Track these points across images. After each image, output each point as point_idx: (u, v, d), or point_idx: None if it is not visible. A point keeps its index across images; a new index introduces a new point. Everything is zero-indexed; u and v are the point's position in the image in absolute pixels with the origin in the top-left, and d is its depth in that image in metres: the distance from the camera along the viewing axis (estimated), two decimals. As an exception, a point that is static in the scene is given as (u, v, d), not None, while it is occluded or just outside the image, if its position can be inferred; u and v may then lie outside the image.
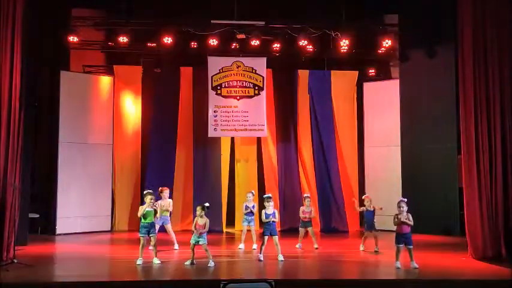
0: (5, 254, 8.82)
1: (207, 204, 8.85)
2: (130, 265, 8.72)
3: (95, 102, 13.23)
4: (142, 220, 8.93)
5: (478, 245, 9.28)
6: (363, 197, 10.60)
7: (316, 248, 10.33)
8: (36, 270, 8.28)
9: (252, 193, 10.77)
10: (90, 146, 13.02)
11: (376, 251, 10.00)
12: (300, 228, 10.55)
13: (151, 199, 8.97)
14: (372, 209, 10.22)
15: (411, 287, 7.73)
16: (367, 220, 10.26)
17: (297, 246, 10.48)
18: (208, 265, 8.54)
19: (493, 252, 9.26)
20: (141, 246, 8.84)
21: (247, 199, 10.65)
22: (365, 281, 8.04)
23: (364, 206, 10.26)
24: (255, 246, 10.44)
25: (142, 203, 9.20)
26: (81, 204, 12.65)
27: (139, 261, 8.69)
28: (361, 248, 10.23)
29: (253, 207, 10.61)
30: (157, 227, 10.38)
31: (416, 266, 8.38)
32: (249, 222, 10.52)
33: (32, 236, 11.21)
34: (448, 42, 12.03)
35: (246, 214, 10.55)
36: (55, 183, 12.45)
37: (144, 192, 9.25)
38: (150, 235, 8.91)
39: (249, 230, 10.59)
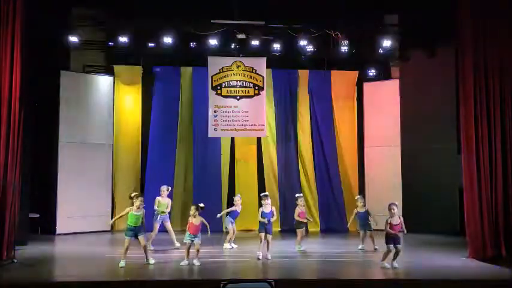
0: (5, 253, 8.83)
1: (201, 205, 8.83)
2: (130, 265, 8.71)
3: (95, 102, 13.22)
4: (129, 223, 8.65)
5: (478, 245, 9.29)
6: (356, 198, 10.71)
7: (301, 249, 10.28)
8: (36, 270, 8.28)
9: (239, 196, 10.85)
10: (90, 146, 13.01)
11: (375, 249, 10.11)
12: (297, 230, 10.32)
13: (141, 201, 8.74)
14: (364, 210, 10.34)
15: (411, 287, 7.73)
16: (359, 220, 10.43)
17: (301, 248, 10.33)
18: (195, 263, 8.55)
19: (493, 252, 9.27)
20: (125, 247, 8.58)
21: (235, 202, 10.73)
22: (365, 281, 8.05)
23: (357, 207, 10.43)
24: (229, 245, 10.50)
25: (145, 204, 9.14)
26: (81, 204, 12.62)
27: (122, 264, 8.54)
28: (360, 247, 10.34)
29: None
30: (157, 225, 10.39)
31: (397, 265, 8.40)
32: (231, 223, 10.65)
33: (32, 236, 11.22)
34: (448, 42, 12.02)
35: (228, 214, 10.71)
36: (55, 183, 12.45)
37: (132, 194, 8.93)
38: (139, 237, 8.69)
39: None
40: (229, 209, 10.82)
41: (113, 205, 13.31)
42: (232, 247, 10.57)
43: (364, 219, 10.37)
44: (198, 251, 8.74)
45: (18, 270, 8.17)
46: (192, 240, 8.69)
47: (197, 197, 12.92)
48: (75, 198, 12.56)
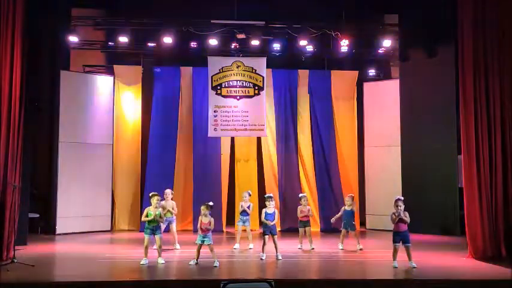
0: (5, 253, 8.83)
1: (211, 204, 8.85)
2: (130, 265, 8.72)
3: (95, 102, 13.22)
4: (147, 221, 8.88)
5: (478, 245, 9.29)
6: (347, 196, 10.76)
7: (313, 249, 10.32)
8: (36, 270, 8.27)
9: (249, 193, 10.80)
10: (90, 146, 13.01)
11: (360, 249, 10.16)
12: (299, 229, 10.55)
13: (157, 200, 8.94)
14: (350, 209, 10.39)
15: (411, 287, 7.72)
16: (344, 218, 10.42)
17: (299, 247, 10.44)
18: (214, 265, 8.53)
19: (493, 252, 9.27)
20: (145, 246, 8.80)
21: (243, 199, 10.71)
22: (365, 281, 8.04)
23: (344, 205, 10.48)
24: (251, 245, 10.47)
25: (145, 204, 9.18)
26: (81, 204, 12.64)
27: (143, 261, 8.67)
28: (340, 247, 10.39)
29: (249, 207, 10.64)
30: (163, 227, 10.40)
31: (415, 265, 8.37)
32: (243, 222, 10.60)
33: (32, 236, 11.22)
34: (448, 42, 12.03)
35: (240, 214, 10.64)
36: (55, 183, 12.45)
37: (150, 194, 9.17)
38: (156, 235, 8.88)
39: (244, 230, 10.64)
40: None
41: (113, 205, 13.32)
42: (237, 248, 10.56)
43: (349, 217, 10.40)
44: (212, 250, 8.72)
45: (18, 270, 8.16)
46: (203, 241, 8.68)
47: (197, 197, 12.95)
48: (75, 198, 12.57)
